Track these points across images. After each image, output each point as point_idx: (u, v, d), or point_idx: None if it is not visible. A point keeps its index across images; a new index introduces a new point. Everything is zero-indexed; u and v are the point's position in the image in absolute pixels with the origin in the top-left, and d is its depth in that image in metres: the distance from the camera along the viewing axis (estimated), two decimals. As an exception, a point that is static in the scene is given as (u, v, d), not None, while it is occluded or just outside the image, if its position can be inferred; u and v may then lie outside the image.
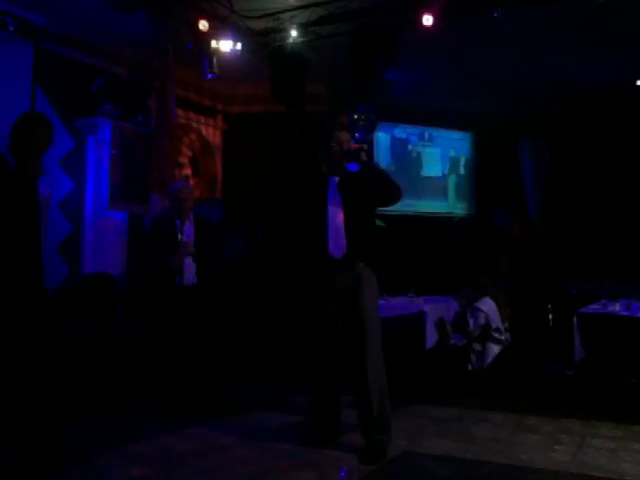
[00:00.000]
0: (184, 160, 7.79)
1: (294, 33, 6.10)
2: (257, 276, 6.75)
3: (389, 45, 5.90)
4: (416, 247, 8.57)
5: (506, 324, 6.21)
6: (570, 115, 8.85)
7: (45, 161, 5.69)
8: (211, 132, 8.15)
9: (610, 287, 6.45)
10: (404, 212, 9.15)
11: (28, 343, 3.37)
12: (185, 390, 4.71)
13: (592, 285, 7.33)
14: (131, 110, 6.76)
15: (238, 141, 8.22)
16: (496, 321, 6.05)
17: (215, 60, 6.15)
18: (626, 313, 5.38)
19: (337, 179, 3.82)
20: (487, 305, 6.09)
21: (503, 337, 6.10)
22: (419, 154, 9.67)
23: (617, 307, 5.55)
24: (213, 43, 6.06)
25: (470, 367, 6.04)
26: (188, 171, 7.85)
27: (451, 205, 9.96)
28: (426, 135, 9.71)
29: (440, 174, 9.87)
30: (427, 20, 5.53)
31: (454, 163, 9.99)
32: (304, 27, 6.07)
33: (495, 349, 6.08)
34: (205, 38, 6.00)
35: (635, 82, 7.36)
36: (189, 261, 4.87)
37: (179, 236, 4.87)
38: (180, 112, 7.16)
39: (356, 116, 7.26)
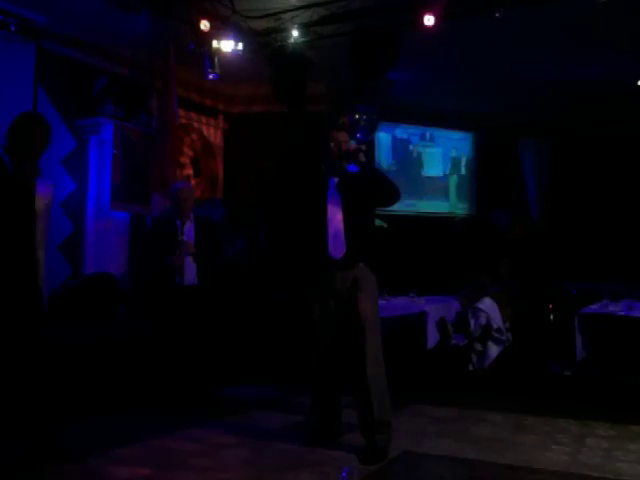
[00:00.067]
0: (185, 160, 7.80)
1: (295, 33, 6.11)
2: (258, 276, 6.76)
3: (390, 45, 5.90)
4: (417, 247, 8.58)
5: (507, 324, 6.21)
6: (571, 115, 8.85)
7: (47, 161, 5.73)
8: (212, 132, 8.16)
9: (611, 287, 6.45)
10: (405, 212, 9.17)
11: (24, 343, 3.37)
12: (185, 390, 4.71)
13: (593, 285, 7.34)
14: (133, 110, 6.77)
15: (239, 141, 8.22)
16: (497, 321, 6.05)
17: (216, 60, 6.16)
18: (627, 313, 5.38)
19: (336, 180, 3.83)
20: (488, 305, 6.09)
21: (504, 337, 6.10)
22: (420, 154, 9.68)
23: (618, 307, 5.55)
24: (214, 43, 6.07)
25: (471, 367, 6.04)
26: (189, 171, 7.86)
27: (452, 205, 9.96)
28: (427, 135, 9.72)
29: (441, 174, 9.87)
30: (428, 20, 5.54)
31: (455, 163, 9.99)
32: (305, 27, 6.07)
33: (496, 349, 6.08)
34: (206, 38, 6.01)
35: (636, 82, 7.35)
36: (190, 261, 4.88)
37: (180, 236, 4.88)
38: (181, 112, 7.17)
39: (357, 116, 7.26)
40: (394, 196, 3.78)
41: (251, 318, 6.18)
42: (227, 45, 6.09)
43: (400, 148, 9.48)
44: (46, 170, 5.62)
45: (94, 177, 6.50)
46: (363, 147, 3.77)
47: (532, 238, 8.97)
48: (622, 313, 5.40)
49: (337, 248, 3.71)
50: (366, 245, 3.79)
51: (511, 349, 6.19)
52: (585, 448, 3.87)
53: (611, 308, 5.58)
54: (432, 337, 5.86)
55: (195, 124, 7.88)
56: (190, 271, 4.89)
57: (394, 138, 9.41)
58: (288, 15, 5.98)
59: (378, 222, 7.97)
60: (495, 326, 6.03)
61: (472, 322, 6.06)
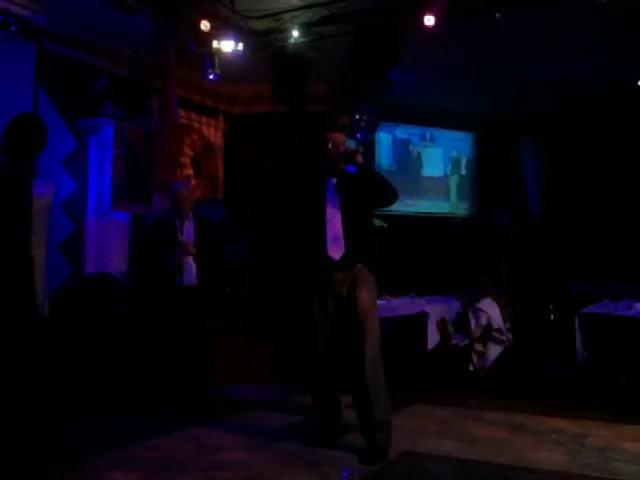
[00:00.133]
0: (186, 160, 7.80)
1: (296, 33, 6.10)
2: (259, 276, 6.76)
3: (391, 45, 5.89)
4: (418, 247, 8.57)
5: (508, 324, 6.21)
6: (572, 115, 8.85)
7: (47, 161, 5.74)
8: (213, 132, 8.15)
9: (612, 287, 6.45)
10: (406, 212, 9.17)
11: (19, 342, 3.36)
12: (185, 390, 4.71)
13: (594, 285, 7.33)
14: (133, 110, 6.77)
15: (240, 141, 8.22)
16: (498, 321, 6.05)
17: (217, 60, 6.16)
18: (628, 313, 5.37)
19: (335, 180, 3.84)
20: (489, 305, 6.09)
21: (504, 337, 6.10)
22: (420, 154, 9.68)
23: (619, 307, 5.54)
24: (215, 43, 6.07)
25: (471, 367, 6.04)
26: (190, 171, 7.86)
27: (453, 205, 9.96)
28: (427, 135, 9.72)
29: (442, 174, 9.87)
30: (429, 20, 5.54)
31: (456, 163, 9.99)
32: (306, 27, 6.07)
33: (497, 349, 6.08)
34: (207, 38, 6.01)
35: (636, 82, 7.35)
36: (189, 261, 4.88)
37: (179, 236, 4.88)
38: (182, 112, 7.16)
39: (358, 116, 7.27)
40: (392, 197, 3.79)
41: (251, 318, 6.19)
42: (227, 45, 6.09)
43: (400, 148, 9.48)
44: (46, 170, 5.66)
45: (94, 177, 6.50)
46: (360, 148, 3.78)
47: (533, 238, 8.96)
48: (622, 313, 5.40)
49: (336, 249, 3.72)
50: (365, 246, 3.80)
51: (511, 349, 6.19)
52: (585, 448, 3.87)
53: (611, 308, 5.58)
54: (433, 337, 5.86)
55: (195, 124, 7.88)
56: (189, 271, 4.89)
57: (394, 138, 9.41)
58: (288, 15, 5.98)
59: (378, 222, 7.99)
60: (496, 326, 6.03)
61: (472, 322, 6.06)
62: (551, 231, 9.35)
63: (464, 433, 4.19)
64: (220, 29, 6.02)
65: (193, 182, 7.79)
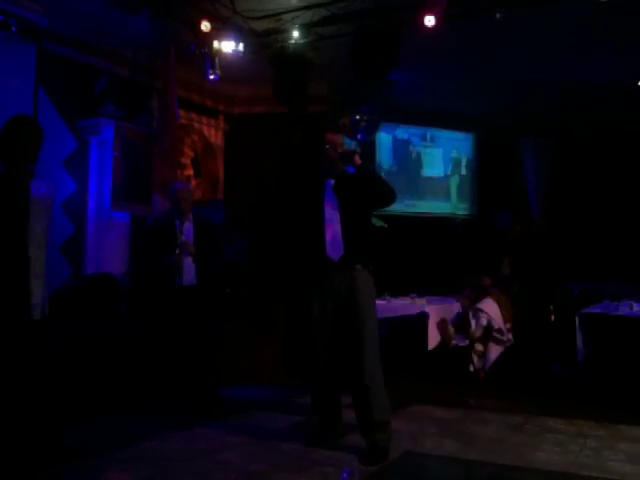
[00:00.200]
0: (186, 161, 7.81)
1: (296, 34, 6.10)
2: (259, 276, 6.76)
3: (391, 46, 5.90)
4: (418, 248, 8.58)
5: (508, 325, 6.21)
6: (572, 115, 8.84)
7: (47, 162, 5.74)
8: (213, 133, 8.15)
9: (612, 288, 6.46)
10: (406, 213, 9.17)
11: (12, 343, 3.36)
12: (186, 391, 4.71)
13: (594, 286, 7.34)
14: (133, 111, 6.77)
15: (240, 142, 8.22)
16: (498, 322, 6.05)
17: (217, 61, 6.16)
18: (628, 314, 5.38)
19: (333, 182, 3.84)
20: (489, 306, 6.09)
21: (505, 338, 6.10)
22: (421, 155, 9.68)
23: (619, 308, 5.54)
24: (215, 44, 6.07)
25: (472, 368, 6.05)
26: (190, 172, 7.86)
27: (453, 206, 9.96)
28: (428, 136, 9.72)
29: (442, 175, 9.87)
30: (429, 21, 5.53)
31: (456, 164, 9.99)
32: (306, 28, 6.07)
33: (497, 350, 6.08)
34: (207, 39, 6.00)
35: (636, 82, 7.35)
36: (189, 261, 4.87)
37: (179, 236, 4.87)
38: (182, 113, 7.16)
39: (358, 117, 7.26)
40: (390, 197, 3.80)
41: (251, 318, 6.19)
42: (228, 46, 6.09)
43: (401, 148, 9.48)
44: (47, 171, 5.67)
45: (95, 178, 6.50)
46: (358, 149, 3.80)
47: (533, 238, 8.96)
48: (623, 313, 5.40)
49: (335, 249, 3.73)
50: (364, 247, 3.81)
51: (512, 350, 6.18)
52: (585, 448, 3.87)
53: (612, 308, 5.58)
54: (433, 338, 5.86)
55: (196, 125, 7.88)
56: (189, 271, 4.88)
57: (395, 139, 9.41)
58: (289, 16, 5.98)
59: (379, 222, 7.99)
60: (496, 327, 6.03)
61: (473, 323, 6.06)
62: (551, 231, 9.35)
63: (464, 433, 4.20)
64: (220, 29, 6.02)
65: (193, 182, 7.79)
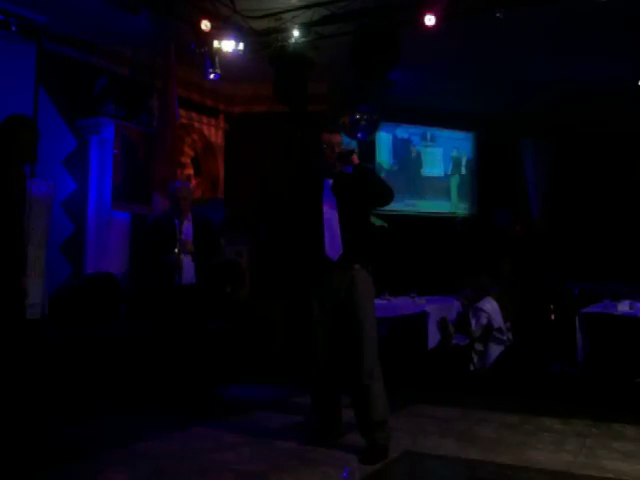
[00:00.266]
0: (186, 160, 7.80)
1: (296, 33, 6.10)
2: (259, 276, 6.76)
3: (391, 45, 5.89)
4: (418, 247, 8.57)
5: (508, 324, 6.21)
6: (572, 115, 8.84)
7: (48, 161, 5.74)
8: (213, 132, 8.15)
9: (612, 287, 6.45)
10: (406, 212, 9.17)
11: (8, 341, 3.36)
12: (185, 390, 4.71)
13: (594, 285, 7.34)
14: (133, 110, 6.77)
15: (240, 141, 8.22)
16: (498, 321, 6.05)
17: (217, 60, 6.16)
18: (629, 313, 5.38)
19: (331, 181, 3.85)
20: (489, 305, 6.09)
21: (505, 337, 6.10)
22: (421, 154, 9.67)
23: (620, 307, 5.54)
24: (215, 43, 6.07)
25: (472, 367, 6.04)
26: (190, 171, 7.86)
27: (454, 205, 9.95)
28: (428, 135, 9.71)
29: (442, 174, 9.87)
30: (429, 20, 5.53)
31: (456, 163, 9.99)
32: (306, 27, 6.06)
33: (497, 349, 6.08)
34: (207, 38, 6.00)
35: (636, 82, 7.35)
36: (188, 260, 4.87)
37: (178, 235, 4.87)
38: (182, 112, 7.16)
39: (358, 116, 7.24)
40: (387, 196, 3.80)
41: (251, 318, 6.19)
42: (228, 45, 6.09)
43: (401, 148, 9.48)
44: (47, 170, 5.68)
45: (95, 177, 6.50)
46: (355, 149, 3.80)
47: (533, 238, 8.96)
48: (623, 313, 5.40)
49: (334, 249, 3.74)
50: (363, 246, 3.81)
51: (512, 349, 6.18)
52: (586, 448, 3.87)
53: (612, 308, 5.58)
54: (433, 337, 5.86)
55: (196, 124, 7.87)
56: (188, 270, 4.88)
57: (395, 138, 9.41)
58: (289, 15, 5.98)
59: (379, 222, 7.99)
60: (496, 326, 6.03)
61: (473, 322, 6.06)
62: (552, 231, 9.34)
63: (465, 433, 4.19)
64: (220, 29, 6.02)
65: (193, 182, 7.79)
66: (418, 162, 9.64)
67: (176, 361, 4.76)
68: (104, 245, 6.49)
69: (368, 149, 8.66)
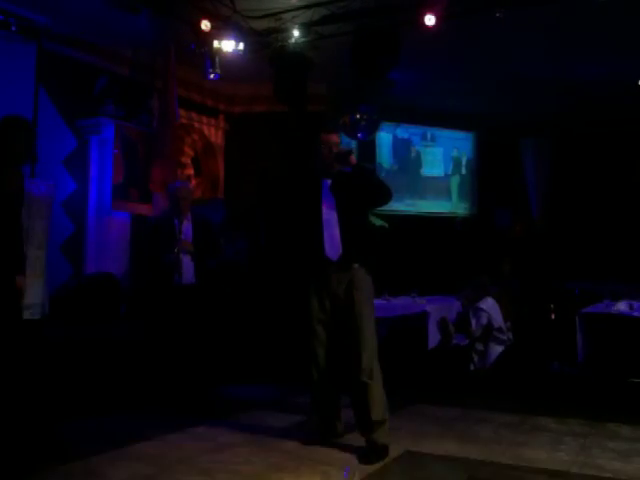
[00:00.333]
0: (186, 160, 7.80)
1: (296, 33, 6.11)
2: (259, 276, 6.76)
3: (391, 45, 5.89)
4: (419, 247, 8.58)
5: (508, 324, 6.21)
6: (572, 115, 8.84)
7: (48, 161, 5.75)
8: (213, 132, 8.16)
9: (612, 287, 6.45)
10: (406, 212, 9.17)
11: (6, 342, 3.36)
12: (186, 390, 4.71)
13: (595, 285, 7.34)
14: (133, 110, 6.77)
15: (240, 141, 8.22)
16: (498, 321, 6.05)
17: (217, 60, 6.16)
18: (629, 313, 5.38)
19: (330, 181, 3.85)
20: (489, 305, 6.09)
21: (505, 337, 6.10)
22: (421, 154, 9.68)
23: (620, 307, 5.54)
24: (215, 43, 6.07)
25: (472, 367, 6.04)
26: (190, 171, 7.86)
27: (454, 205, 9.96)
28: (428, 135, 9.72)
29: (442, 174, 9.87)
30: (429, 20, 5.53)
31: (456, 163, 9.99)
32: (306, 27, 6.07)
33: (497, 349, 6.08)
34: (207, 38, 6.01)
35: (636, 82, 7.35)
36: (188, 260, 4.87)
37: (178, 235, 4.87)
38: (182, 112, 7.17)
39: (358, 116, 7.27)
40: (385, 196, 3.81)
41: (251, 318, 6.19)
42: (228, 45, 6.09)
43: (401, 148, 9.48)
44: (47, 170, 5.68)
45: (95, 177, 6.51)
46: (353, 149, 3.81)
47: (533, 238, 8.97)
48: (623, 313, 5.40)
49: (333, 249, 3.74)
50: (362, 246, 3.82)
51: (512, 349, 6.18)
52: (586, 448, 3.86)
53: (612, 308, 5.58)
54: (433, 337, 5.86)
55: (196, 124, 7.88)
56: (188, 270, 4.88)
57: (395, 138, 9.41)
58: (289, 15, 5.98)
59: (379, 222, 7.99)
60: (496, 326, 6.03)
61: (473, 322, 6.06)
62: (551, 231, 9.35)
63: (465, 433, 4.19)
64: (220, 29, 6.02)
65: (194, 182, 7.79)
66: (418, 162, 9.64)
67: (176, 361, 4.76)
68: (104, 245, 6.49)
69: (368, 149, 8.67)
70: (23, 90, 5.54)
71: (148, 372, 4.85)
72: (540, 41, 6.39)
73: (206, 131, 8.05)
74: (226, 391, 5.31)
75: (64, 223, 6.24)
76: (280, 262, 6.51)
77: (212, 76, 6.26)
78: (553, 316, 7.14)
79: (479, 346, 6.06)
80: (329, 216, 3.78)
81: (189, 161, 7.88)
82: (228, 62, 6.25)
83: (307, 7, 5.80)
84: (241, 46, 6.14)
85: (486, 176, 9.94)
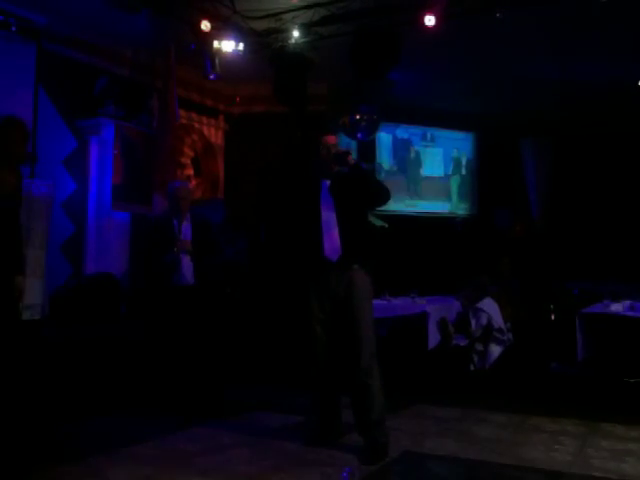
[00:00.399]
0: (186, 160, 7.80)
1: (296, 33, 6.10)
2: (259, 276, 6.76)
3: (391, 45, 5.89)
4: (418, 247, 8.57)
5: (508, 324, 6.21)
6: (572, 115, 8.84)
7: (48, 161, 5.75)
8: (213, 132, 8.16)
9: (612, 287, 6.44)
10: (406, 212, 9.17)
11: (5, 342, 3.36)
12: (187, 391, 4.71)
13: (594, 285, 7.33)
14: (133, 110, 6.77)
15: (240, 141, 8.22)
16: (498, 321, 6.05)
17: (217, 60, 6.16)
18: (629, 313, 5.37)
19: (328, 182, 3.86)
20: (489, 305, 6.09)
21: (505, 337, 6.10)
22: (421, 154, 9.67)
23: (619, 307, 5.54)
24: (215, 43, 6.07)
25: (472, 367, 6.04)
26: (190, 171, 7.86)
27: (454, 205, 9.96)
28: (428, 135, 9.71)
29: (442, 174, 9.87)
30: (429, 20, 5.53)
31: (456, 163, 9.99)
32: (306, 27, 6.07)
33: (497, 349, 6.08)
34: (207, 38, 6.00)
35: (636, 82, 7.35)
36: (187, 260, 4.87)
37: (177, 235, 4.87)
38: (182, 112, 7.16)
39: (358, 116, 7.25)
40: (384, 196, 3.82)
41: (251, 318, 6.19)
42: (228, 45, 6.09)
43: (401, 148, 9.48)
44: (47, 170, 5.68)
45: (95, 177, 6.50)
46: (350, 150, 3.82)
47: (533, 238, 8.97)
48: (623, 313, 5.39)
49: (333, 250, 3.75)
50: (361, 246, 3.83)
51: (512, 349, 6.18)
52: (587, 448, 3.87)
53: (612, 308, 5.58)
54: (433, 337, 5.85)
55: (196, 124, 7.88)
56: (187, 270, 4.88)
57: (395, 138, 9.41)
58: (289, 15, 5.98)
59: (379, 222, 7.99)
60: (496, 326, 6.03)
61: (473, 322, 6.06)
62: (551, 231, 9.34)
63: (465, 433, 4.19)
64: (220, 29, 6.02)
65: (193, 182, 7.79)
66: (418, 162, 9.64)
67: (176, 361, 4.76)
68: (104, 245, 6.49)
69: (368, 149, 8.67)
70: (23, 90, 5.55)
71: (148, 372, 4.85)
72: (540, 41, 6.38)
73: (206, 131, 8.05)
74: (226, 391, 5.30)
75: (64, 223, 6.24)
76: (280, 262, 6.51)
77: (212, 76, 6.25)
78: (553, 316, 7.14)
79: (479, 346, 6.05)
80: (328, 217, 3.79)
81: (189, 161, 7.88)
82: (228, 62, 6.25)
83: (307, 7, 5.80)
84: (241, 46, 6.14)
85: (486, 176, 9.94)
